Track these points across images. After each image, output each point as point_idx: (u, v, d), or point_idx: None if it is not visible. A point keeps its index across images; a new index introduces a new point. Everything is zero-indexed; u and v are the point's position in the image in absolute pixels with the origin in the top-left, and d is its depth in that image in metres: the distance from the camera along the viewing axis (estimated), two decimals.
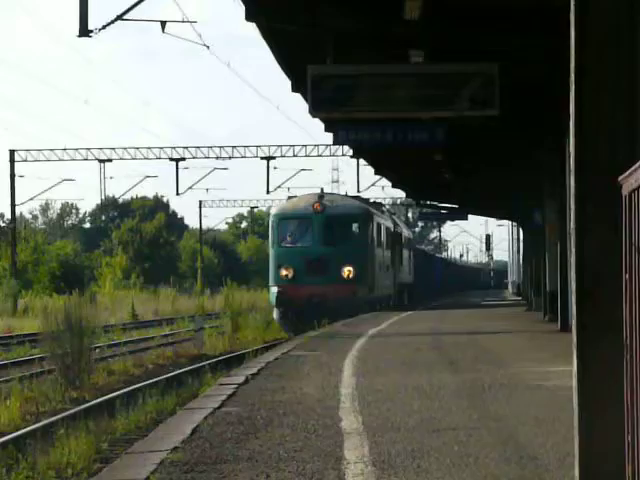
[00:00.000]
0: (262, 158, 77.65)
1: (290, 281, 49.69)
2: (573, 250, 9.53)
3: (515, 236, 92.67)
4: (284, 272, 50.67)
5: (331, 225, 51.98)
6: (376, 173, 72.04)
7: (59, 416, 24.87)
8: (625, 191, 8.10)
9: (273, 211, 58.18)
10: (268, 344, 36.02)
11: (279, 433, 16.15)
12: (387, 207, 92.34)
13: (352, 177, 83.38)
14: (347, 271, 50.42)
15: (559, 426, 10.48)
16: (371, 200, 69.72)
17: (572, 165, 9.36)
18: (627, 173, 7.95)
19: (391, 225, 68.67)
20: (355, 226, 53.44)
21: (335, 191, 71.55)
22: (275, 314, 51.24)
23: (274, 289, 51.02)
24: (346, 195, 58.78)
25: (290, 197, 59.19)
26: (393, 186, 79.74)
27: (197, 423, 17.53)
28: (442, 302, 71.90)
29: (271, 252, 54.40)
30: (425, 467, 13.06)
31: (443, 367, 26.42)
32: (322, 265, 49.89)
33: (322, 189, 54.54)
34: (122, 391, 30.38)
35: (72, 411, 25.81)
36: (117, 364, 38.58)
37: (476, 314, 56.30)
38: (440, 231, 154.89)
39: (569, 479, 9.98)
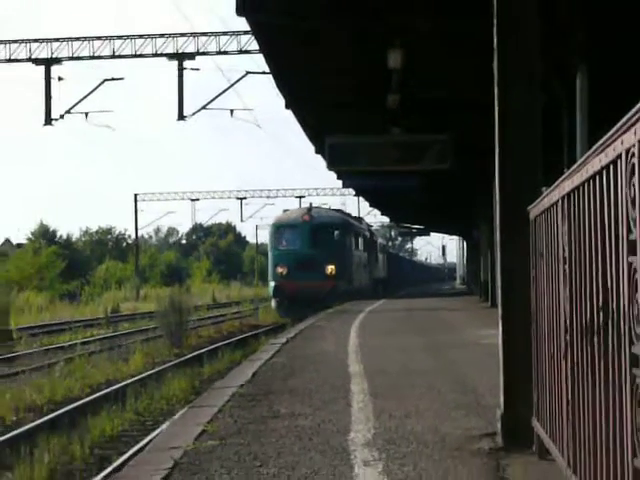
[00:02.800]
0: (296, 197, 79.84)
1: (284, 277, 47.82)
2: (498, 255, 10.10)
3: (460, 246, 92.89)
4: (280, 270, 48.48)
5: (316, 232, 49.41)
6: (370, 206, 76.01)
7: (167, 365, 26.06)
8: (531, 217, 8.64)
9: (272, 221, 55.72)
10: (301, 318, 35.84)
11: (308, 375, 16.55)
12: (372, 224, 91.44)
13: (355, 208, 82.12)
14: (330, 269, 48.10)
15: (490, 369, 10.76)
16: (353, 215, 67.43)
17: (497, 200, 10.02)
18: (532, 205, 8.55)
19: (367, 233, 65.95)
20: (336, 233, 50.79)
21: None
22: (273, 303, 49.42)
23: (272, 283, 49.32)
24: (330, 209, 57.49)
25: (285, 210, 57.28)
26: (382, 214, 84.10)
27: (256, 369, 17.86)
28: (411, 291, 69.90)
29: (270, 254, 52.28)
30: (404, 395, 13.52)
31: (414, 332, 25.96)
32: (309, 264, 47.48)
33: (310, 204, 53.33)
34: (207, 348, 32.17)
35: (175, 361, 27.18)
36: (204, 331, 40.27)
37: (435, 297, 55.19)
38: (412, 243, 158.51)
39: (497, 402, 9.90)
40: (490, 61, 10.16)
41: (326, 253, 48.20)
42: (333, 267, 48.07)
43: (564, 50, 16.08)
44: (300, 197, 62.88)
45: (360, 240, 58.12)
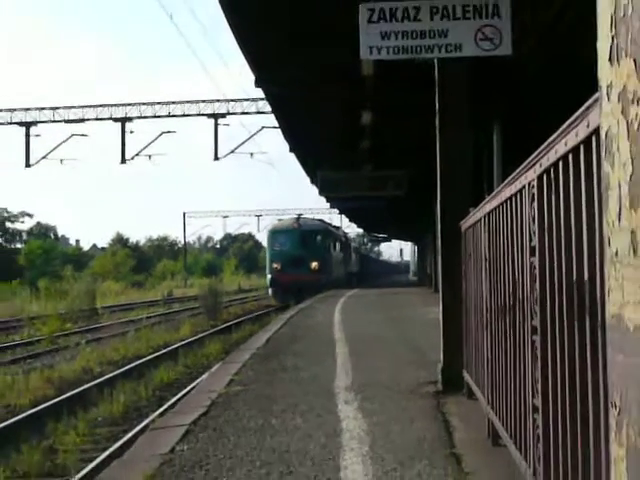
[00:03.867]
0: (297, 214, 79.35)
1: (278, 271, 45.84)
2: (440, 256, 10.15)
3: (413, 249, 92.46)
4: (275, 265, 46.48)
5: (303, 236, 47.51)
6: (350, 220, 75.60)
7: (205, 333, 25.86)
8: (462, 229, 8.64)
9: (269, 228, 53.43)
10: (298, 301, 35.75)
11: (306, 340, 16.69)
12: (350, 232, 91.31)
13: (339, 222, 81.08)
14: (314, 265, 46.24)
15: (433, 336, 10.86)
16: (333, 224, 64.99)
17: (438, 217, 10.03)
18: (463, 221, 8.52)
19: (343, 238, 63.48)
20: (318, 237, 48.52)
21: None
22: (270, 291, 47.53)
23: (269, 276, 47.46)
24: (314, 219, 54.24)
25: (279, 219, 56.29)
26: (358, 226, 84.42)
27: (269, 336, 18.05)
28: (377, 282, 69.61)
29: (267, 253, 50.17)
30: (373, 354, 13.77)
31: (380, 309, 25.90)
32: (298, 261, 45.49)
33: (299, 214, 51.56)
34: (234, 321, 31.38)
35: (211, 331, 26.93)
36: (232, 309, 39.56)
37: (394, 286, 55.06)
38: (379, 246, 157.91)
39: (438, 359, 9.89)
40: (434, 118, 10.20)
41: (311, 252, 46.48)
42: (317, 263, 46.41)
43: (485, 113, 16.15)
44: (300, 214, 62.70)
45: (337, 243, 56.05)
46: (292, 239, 47.25)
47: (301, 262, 45.43)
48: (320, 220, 53.09)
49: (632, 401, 1.45)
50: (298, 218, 49.52)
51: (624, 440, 1.50)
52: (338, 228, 64.35)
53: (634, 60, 1.38)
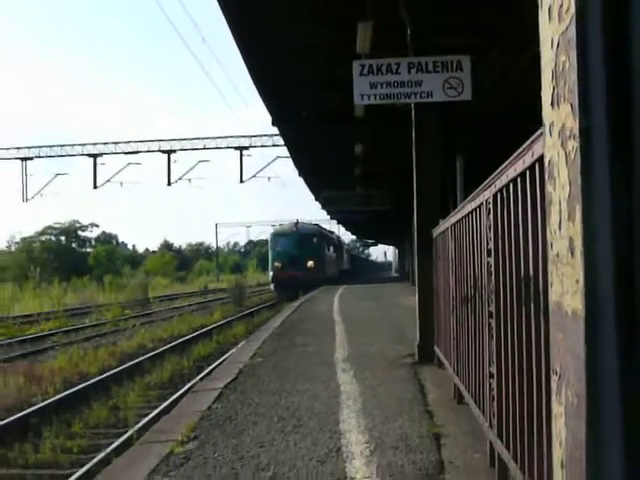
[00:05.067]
0: (295, 220, 78.50)
1: (280, 269, 41.98)
2: (416, 258, 10.11)
3: (395, 251, 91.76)
4: (276, 264, 42.51)
5: (301, 238, 43.40)
6: (346, 229, 74.77)
7: (233, 317, 25.46)
8: (434, 236, 8.65)
9: (271, 231, 48.73)
10: (305, 293, 35.04)
11: (311, 322, 16.63)
12: (346, 239, 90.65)
13: (337, 230, 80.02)
14: (310, 264, 42.22)
15: (411, 319, 10.86)
16: (328, 229, 60.19)
17: (415, 226, 9.98)
18: (434, 230, 8.56)
19: (336, 240, 59.19)
20: (314, 239, 44.56)
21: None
22: (272, 287, 43.19)
23: (271, 273, 43.45)
24: (310, 223, 49.02)
25: (280, 224, 50.03)
26: (352, 234, 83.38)
27: (283, 319, 18.08)
28: (365, 277, 69.46)
29: (270, 253, 45.55)
30: (364, 333, 13.57)
31: (370, 298, 25.59)
32: (297, 260, 41.60)
33: (297, 220, 46.38)
34: (255, 308, 30.64)
35: (238, 315, 26.42)
36: (253, 299, 38.81)
37: (380, 281, 54.79)
38: (368, 249, 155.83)
39: (415, 337, 9.92)
40: (411, 149, 10.21)
41: (307, 253, 42.67)
42: (312, 262, 42.52)
43: (451, 144, 16.16)
44: (297, 220, 60.57)
45: (331, 244, 52.00)
46: (291, 241, 43.78)
47: (299, 261, 42.03)
48: (316, 225, 49.05)
49: (569, 369, 1.46)
50: (296, 223, 45.59)
51: (563, 400, 1.51)
52: (332, 232, 60.55)
53: (570, 104, 1.39)
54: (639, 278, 1.29)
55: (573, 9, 1.35)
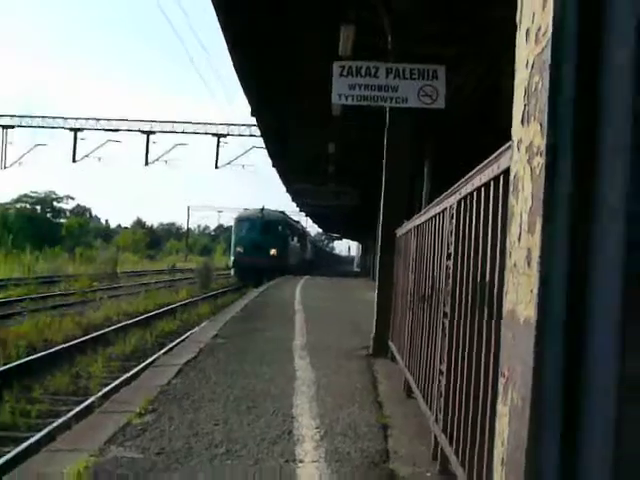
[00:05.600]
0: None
1: (241, 254, 39.41)
2: (379, 255, 10.02)
3: (358, 246, 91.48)
4: (238, 249, 39.78)
5: (265, 225, 40.54)
6: (313, 222, 74.80)
7: (198, 298, 25.19)
8: (397, 235, 8.77)
9: (235, 216, 45.23)
10: (269, 279, 34.19)
11: (273, 309, 16.33)
12: (313, 231, 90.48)
13: (304, 222, 78.99)
14: (273, 251, 39.53)
15: (369, 312, 10.78)
16: (294, 218, 56.12)
17: (380, 225, 9.90)
18: (398, 230, 8.68)
19: (301, 230, 56.33)
20: (280, 227, 41.74)
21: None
22: (232, 272, 40.72)
23: (232, 258, 40.64)
24: (276, 210, 45.51)
25: (245, 209, 45.91)
26: (319, 227, 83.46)
27: (245, 303, 17.95)
28: (327, 270, 68.84)
29: (232, 238, 42.80)
30: (322, 322, 13.61)
31: (330, 289, 25.81)
32: (260, 247, 38.93)
33: (263, 206, 43.01)
34: (220, 291, 30.14)
35: (202, 296, 26.04)
36: (219, 281, 37.35)
37: (342, 274, 54.58)
38: (333, 243, 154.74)
39: (371, 330, 9.86)
40: (382, 151, 10.23)
41: (271, 240, 39.85)
42: (275, 250, 39.86)
43: (420, 150, 16.25)
44: (263, 206, 57.68)
45: (296, 234, 49.04)
46: (255, 227, 40.82)
47: (262, 248, 39.26)
48: (282, 212, 45.77)
49: (517, 373, 1.48)
50: (262, 209, 42.35)
51: (508, 401, 1.53)
52: (298, 222, 57.14)
53: (540, 123, 1.41)
54: (590, 291, 1.31)
55: (550, 33, 1.37)
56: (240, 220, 42.70)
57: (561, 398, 1.33)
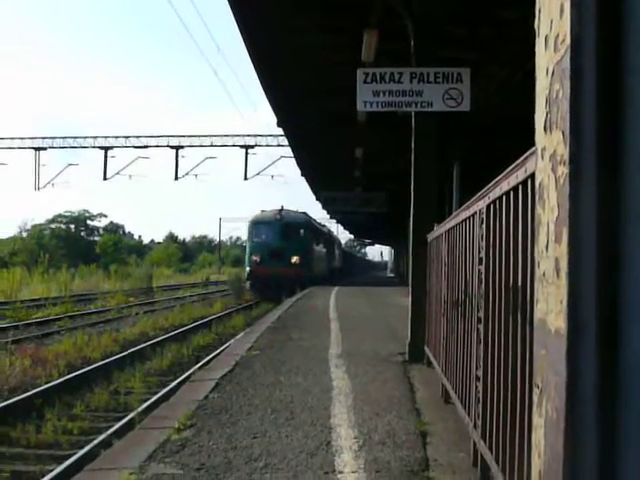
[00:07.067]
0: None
1: (257, 264, 34.00)
2: (411, 259, 10.04)
3: (391, 252, 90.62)
4: (254, 258, 34.36)
5: (285, 228, 35.06)
6: (344, 229, 74.89)
7: (232, 309, 25.42)
8: (429, 240, 8.66)
9: (250, 219, 37.66)
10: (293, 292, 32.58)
11: (308, 318, 16.47)
12: (344, 237, 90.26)
13: (335, 229, 78.96)
14: (294, 259, 34.12)
15: (404, 318, 10.73)
16: (325, 224, 53.08)
17: (411, 230, 10.00)
18: (429, 234, 8.56)
19: (327, 235, 49.43)
20: (301, 231, 35.90)
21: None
22: (247, 285, 34.59)
23: (247, 268, 34.90)
24: (297, 211, 39.16)
25: (262, 211, 38.21)
26: (350, 233, 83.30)
27: (279, 314, 17.80)
28: (359, 277, 67.68)
29: (247, 245, 36.97)
30: (358, 330, 13.57)
31: (363, 296, 25.62)
32: (278, 254, 33.84)
33: (282, 206, 36.94)
34: (253, 302, 30.31)
35: (237, 308, 26.32)
36: None
37: (374, 281, 54.26)
38: (365, 249, 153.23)
39: (406, 335, 9.95)
40: (409, 155, 10.21)
41: (292, 246, 34.66)
42: (297, 257, 34.67)
43: (448, 153, 16.18)
44: (282, 206, 55.28)
45: (321, 238, 43.09)
46: (273, 231, 35.59)
47: (281, 255, 34.38)
48: (304, 213, 39.64)
49: (550, 385, 1.46)
50: (281, 209, 36.90)
51: (543, 413, 1.52)
52: (324, 225, 50.96)
53: (562, 132, 1.40)
54: (621, 301, 1.29)
55: (568, 40, 1.36)
56: (256, 223, 36.91)
57: (596, 410, 1.31)
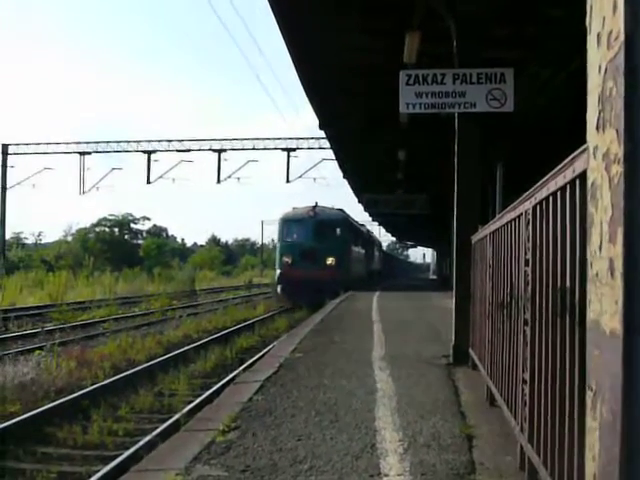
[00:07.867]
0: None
1: (289, 266, 30.99)
2: (455, 261, 9.99)
3: (433, 254, 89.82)
4: (285, 259, 31.48)
5: (320, 227, 31.70)
6: (386, 231, 74.68)
7: (275, 312, 25.66)
8: (473, 242, 8.57)
9: (280, 216, 33.99)
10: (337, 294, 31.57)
11: (350, 320, 16.49)
12: (385, 240, 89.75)
13: (377, 232, 78.34)
14: (330, 260, 30.92)
15: (448, 320, 10.70)
16: (369, 229, 51.53)
17: (455, 231, 9.87)
18: (473, 236, 8.48)
19: (366, 234, 45.51)
20: (337, 229, 32.56)
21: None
22: (278, 289, 31.75)
23: (278, 271, 32.04)
24: (333, 207, 35.16)
25: (294, 208, 34.34)
26: (392, 235, 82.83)
27: (322, 317, 17.72)
28: (400, 280, 66.70)
29: (277, 245, 34.03)
30: (401, 332, 13.54)
31: (405, 300, 25.18)
32: (312, 255, 30.59)
33: (316, 202, 33.37)
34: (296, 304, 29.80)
35: (279, 310, 26.46)
36: None
37: (416, 284, 53.87)
38: (407, 251, 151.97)
39: (450, 338, 9.83)
40: (452, 157, 10.17)
41: (327, 246, 31.43)
42: (333, 259, 31.49)
43: (492, 154, 16.06)
44: (317, 202, 53.21)
45: (359, 238, 39.36)
46: (306, 229, 32.35)
47: (315, 256, 31.21)
48: (340, 210, 36.01)
49: (605, 387, 1.44)
50: (315, 206, 33.44)
51: (597, 416, 1.50)
52: (361, 224, 46.26)
53: (616, 130, 1.38)
54: None
55: (622, 37, 1.34)
56: (286, 221, 33.67)
57: None
